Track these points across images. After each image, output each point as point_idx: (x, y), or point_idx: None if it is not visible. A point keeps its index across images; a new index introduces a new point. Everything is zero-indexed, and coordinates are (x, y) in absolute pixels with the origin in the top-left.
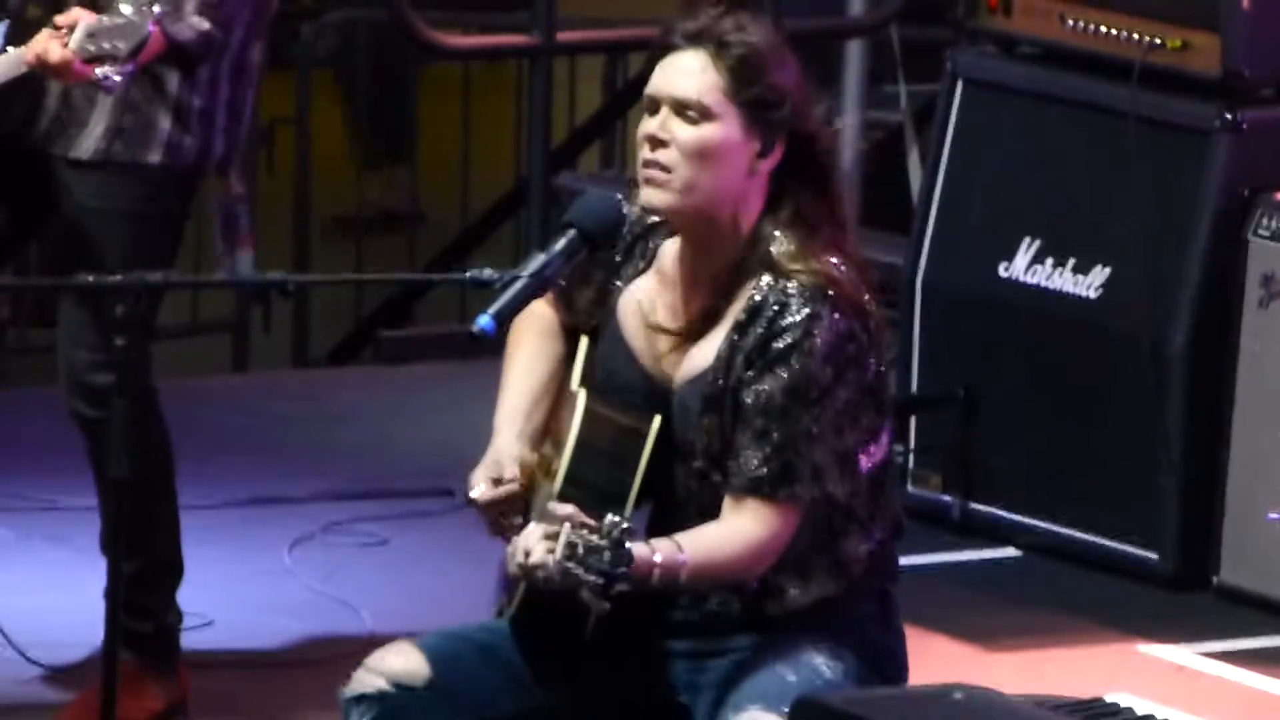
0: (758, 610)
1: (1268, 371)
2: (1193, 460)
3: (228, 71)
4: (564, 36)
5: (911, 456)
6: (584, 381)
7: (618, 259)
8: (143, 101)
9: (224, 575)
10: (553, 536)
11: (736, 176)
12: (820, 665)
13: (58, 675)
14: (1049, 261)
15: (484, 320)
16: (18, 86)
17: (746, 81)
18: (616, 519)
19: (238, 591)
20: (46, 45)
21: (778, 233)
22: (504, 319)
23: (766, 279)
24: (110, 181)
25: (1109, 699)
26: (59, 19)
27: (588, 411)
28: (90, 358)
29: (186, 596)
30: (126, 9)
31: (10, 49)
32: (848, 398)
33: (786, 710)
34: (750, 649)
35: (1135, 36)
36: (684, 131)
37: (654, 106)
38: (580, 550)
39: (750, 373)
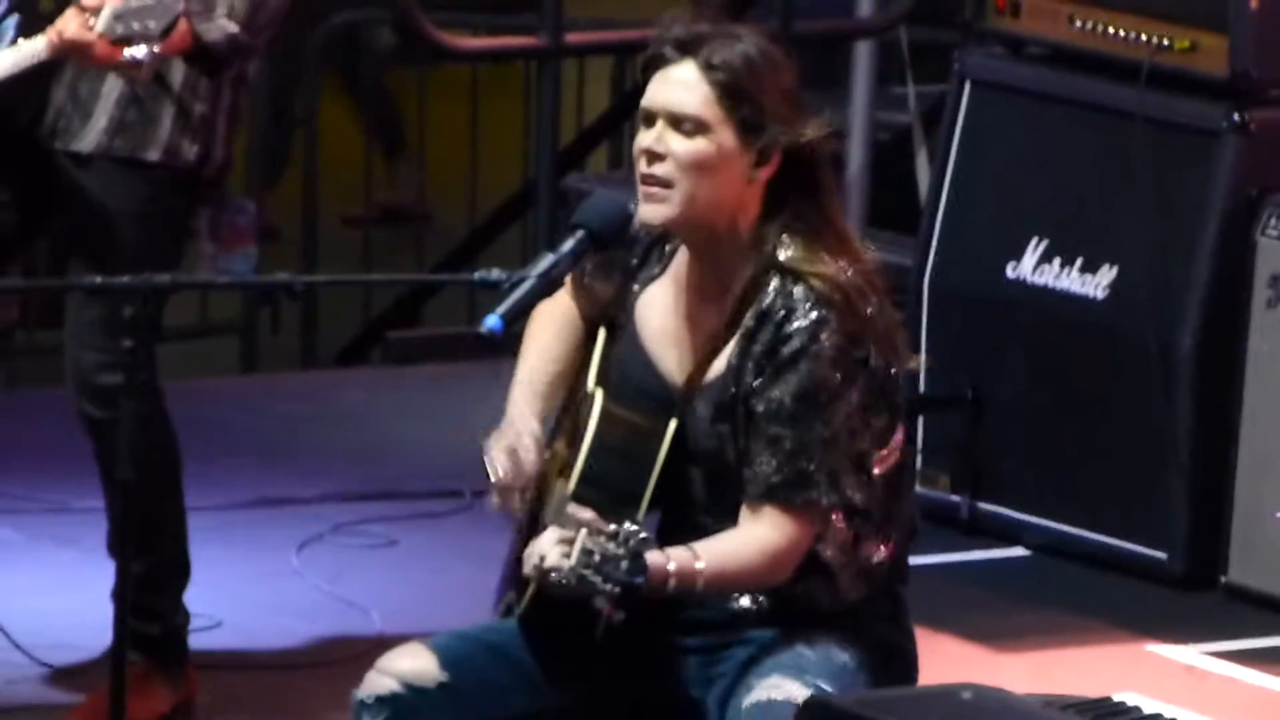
0: (782, 613)
1: (1276, 371)
2: (1201, 460)
3: (231, 79)
4: (572, 38)
5: (920, 456)
6: (600, 380)
7: (634, 262)
8: (147, 98)
9: (232, 576)
10: (568, 541)
11: (734, 186)
12: (836, 651)
13: (66, 676)
14: (1056, 262)
15: (492, 321)
16: (30, 80)
17: (740, 94)
18: (634, 527)
19: (246, 592)
20: (68, 23)
21: (784, 237)
22: (512, 320)
23: (774, 284)
24: (112, 180)
25: (1117, 698)
26: (85, 1)
27: (604, 411)
28: (97, 359)
29: (194, 597)
30: None
31: (23, 40)
32: (859, 400)
33: (809, 679)
34: (767, 639)
35: (1143, 37)
36: (680, 145)
37: (649, 119)
38: (597, 558)
39: (760, 380)
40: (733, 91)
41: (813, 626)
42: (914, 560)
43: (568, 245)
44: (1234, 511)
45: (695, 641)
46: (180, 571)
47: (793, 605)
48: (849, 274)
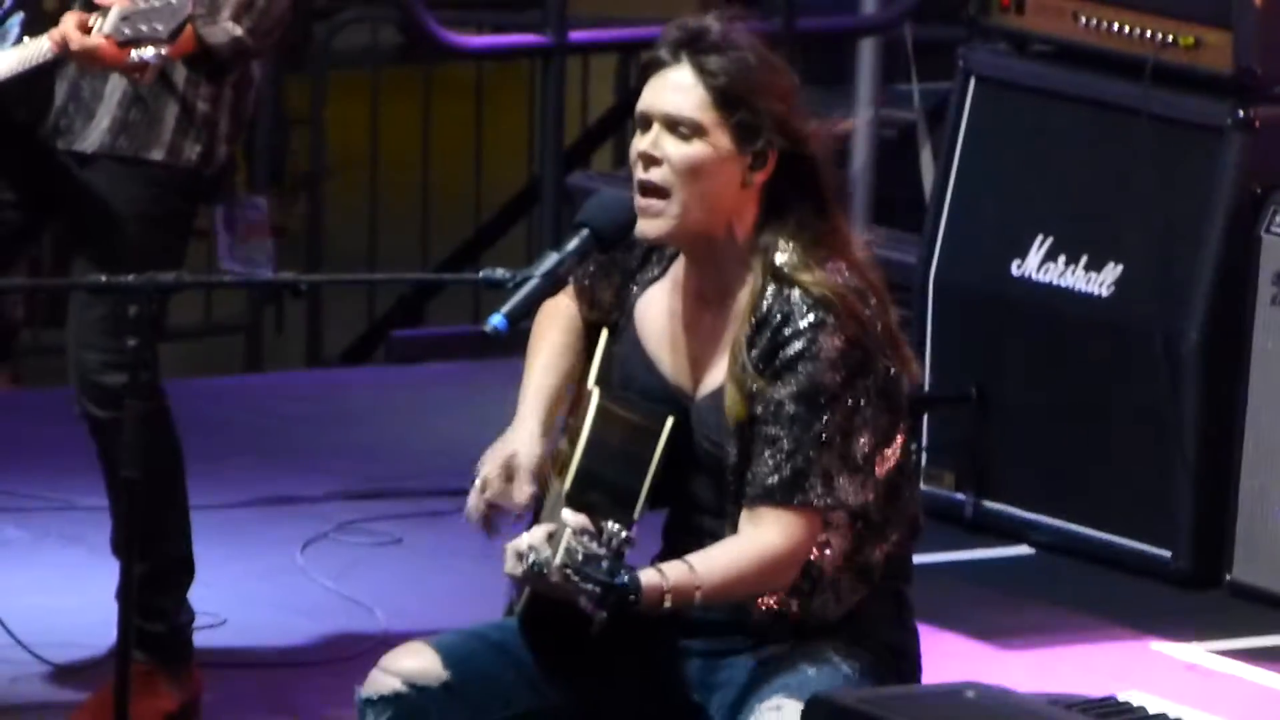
0: (787, 617)
1: None
2: (1205, 458)
3: (234, 79)
4: (576, 36)
5: (924, 455)
6: (600, 379)
7: (635, 264)
8: (150, 98)
9: (237, 575)
10: (554, 539)
11: (730, 190)
12: (839, 662)
13: (71, 675)
14: (1061, 259)
15: (496, 320)
16: (33, 79)
17: (735, 97)
18: (617, 528)
19: (250, 591)
20: (67, 25)
21: (781, 241)
22: (516, 318)
23: (771, 289)
24: (116, 179)
25: (1121, 697)
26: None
27: (601, 410)
28: (101, 358)
29: (199, 596)
30: None
31: (27, 39)
32: (858, 402)
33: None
34: (771, 652)
35: (1148, 34)
36: (676, 149)
37: (646, 123)
38: (579, 557)
39: (759, 383)
40: (728, 95)
41: (816, 633)
42: (918, 558)
43: (572, 244)
44: (1238, 509)
45: (698, 644)
46: (185, 570)
47: (795, 613)
48: (847, 277)
